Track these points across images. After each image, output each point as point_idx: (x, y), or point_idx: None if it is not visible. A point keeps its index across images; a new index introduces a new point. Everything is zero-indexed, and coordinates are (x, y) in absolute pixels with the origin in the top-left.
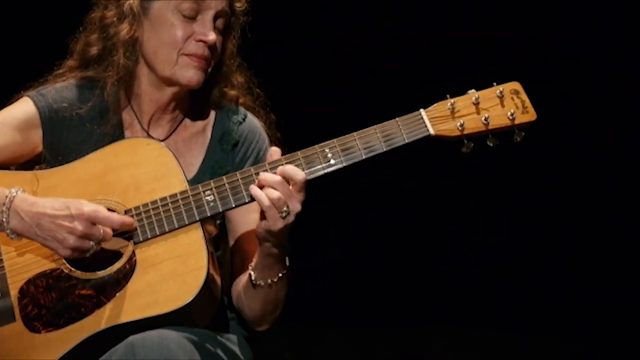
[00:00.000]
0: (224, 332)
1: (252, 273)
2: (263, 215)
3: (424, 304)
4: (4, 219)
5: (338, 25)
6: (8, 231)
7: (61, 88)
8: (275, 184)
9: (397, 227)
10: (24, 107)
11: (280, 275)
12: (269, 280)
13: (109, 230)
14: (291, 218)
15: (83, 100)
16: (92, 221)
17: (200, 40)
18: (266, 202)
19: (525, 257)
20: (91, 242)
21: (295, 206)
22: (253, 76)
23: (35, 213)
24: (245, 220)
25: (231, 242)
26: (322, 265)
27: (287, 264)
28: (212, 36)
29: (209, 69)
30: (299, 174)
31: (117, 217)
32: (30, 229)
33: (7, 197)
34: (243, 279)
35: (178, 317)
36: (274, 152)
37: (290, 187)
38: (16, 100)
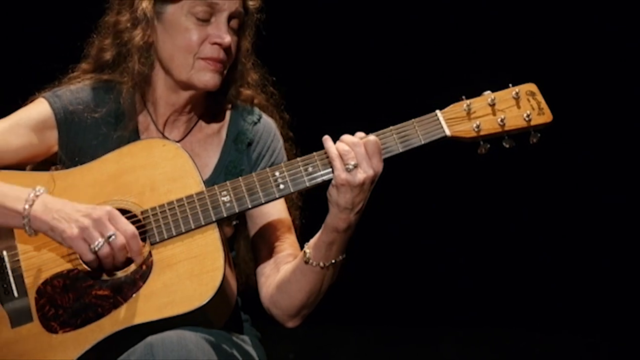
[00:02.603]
0: (238, 333)
1: (307, 251)
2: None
3: (432, 304)
4: (27, 205)
5: (353, 24)
6: (26, 213)
7: (77, 90)
8: (348, 141)
9: (404, 227)
10: (39, 108)
11: (335, 260)
12: (322, 263)
13: (121, 237)
14: (358, 176)
15: (98, 103)
16: (111, 218)
17: (215, 43)
18: (334, 151)
19: (538, 258)
20: (100, 239)
21: (364, 166)
22: (267, 74)
23: (61, 202)
24: (268, 211)
25: (254, 235)
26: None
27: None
28: (227, 39)
29: (225, 71)
30: (371, 137)
31: (133, 229)
32: (50, 212)
33: (34, 190)
34: (283, 265)
35: (194, 317)
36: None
37: (363, 149)
38: (31, 101)
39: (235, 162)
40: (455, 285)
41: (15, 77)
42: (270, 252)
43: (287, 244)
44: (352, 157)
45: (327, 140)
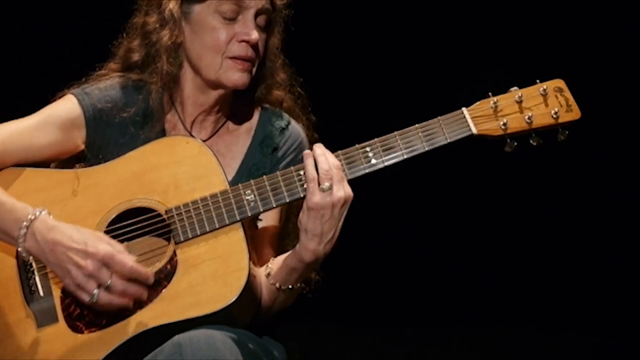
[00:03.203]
0: (259, 332)
1: (270, 267)
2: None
3: (436, 305)
4: (21, 238)
5: (376, 23)
6: (20, 249)
7: (105, 88)
8: (328, 159)
9: (414, 229)
10: (68, 106)
11: (293, 286)
12: (278, 284)
13: (118, 282)
14: (330, 199)
15: (127, 102)
16: (106, 263)
17: (243, 41)
18: (312, 171)
19: (556, 258)
20: (96, 289)
21: (339, 188)
22: (295, 74)
23: (51, 240)
24: (267, 215)
25: None
26: (333, 265)
27: (307, 285)
28: (254, 35)
29: (254, 69)
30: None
31: (130, 265)
32: (42, 253)
33: (28, 216)
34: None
35: (219, 317)
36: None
37: (334, 168)
38: (60, 97)
39: (259, 165)
40: (475, 285)
41: (16, 77)
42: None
43: (266, 252)
44: (329, 178)
45: (307, 155)
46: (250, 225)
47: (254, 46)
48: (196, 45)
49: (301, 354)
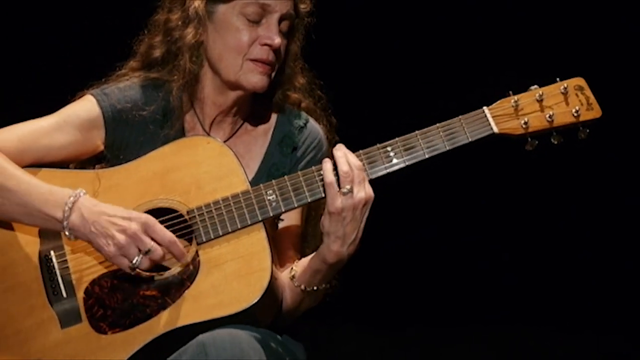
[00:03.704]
0: (280, 331)
1: (295, 269)
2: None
3: (455, 304)
4: (65, 214)
5: (393, 23)
6: (65, 223)
7: (125, 88)
8: (349, 160)
9: (434, 227)
10: (87, 106)
11: (318, 287)
12: (304, 286)
13: (158, 249)
14: (351, 201)
15: (146, 101)
16: (147, 229)
17: (265, 44)
18: (330, 176)
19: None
20: (138, 255)
21: (359, 190)
22: (315, 78)
23: (97, 210)
24: (288, 215)
25: None
26: (350, 264)
27: (332, 283)
28: (277, 40)
29: (273, 73)
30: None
31: (171, 236)
32: (87, 225)
33: (72, 195)
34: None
35: (242, 318)
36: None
37: (354, 169)
38: (79, 98)
39: (278, 165)
40: (495, 284)
41: (16, 77)
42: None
43: (288, 255)
44: (350, 180)
45: (326, 161)
46: (271, 225)
47: (276, 51)
48: (218, 45)
49: (319, 354)
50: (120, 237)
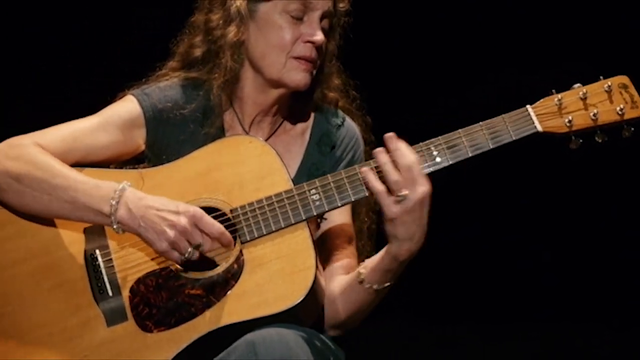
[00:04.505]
0: (320, 331)
1: (362, 272)
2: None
3: (498, 302)
4: (113, 209)
5: (432, 20)
6: (113, 218)
7: (165, 87)
8: (397, 164)
9: (476, 226)
10: (128, 107)
11: (387, 284)
12: (376, 286)
13: (208, 240)
14: (409, 204)
15: (187, 100)
16: (196, 222)
17: (308, 42)
18: (379, 187)
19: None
20: (189, 248)
21: (413, 191)
22: (349, 78)
23: (143, 205)
24: (331, 217)
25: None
26: None
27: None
28: (320, 36)
29: (315, 71)
30: (407, 156)
31: (219, 227)
32: (135, 219)
33: (117, 189)
34: (337, 275)
35: (286, 317)
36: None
37: (403, 172)
38: (120, 98)
39: (318, 164)
40: (538, 283)
41: (16, 77)
42: (326, 260)
43: (344, 254)
44: (400, 187)
45: (366, 172)
46: (313, 224)
47: (318, 48)
48: (260, 44)
49: (363, 351)
50: (171, 233)
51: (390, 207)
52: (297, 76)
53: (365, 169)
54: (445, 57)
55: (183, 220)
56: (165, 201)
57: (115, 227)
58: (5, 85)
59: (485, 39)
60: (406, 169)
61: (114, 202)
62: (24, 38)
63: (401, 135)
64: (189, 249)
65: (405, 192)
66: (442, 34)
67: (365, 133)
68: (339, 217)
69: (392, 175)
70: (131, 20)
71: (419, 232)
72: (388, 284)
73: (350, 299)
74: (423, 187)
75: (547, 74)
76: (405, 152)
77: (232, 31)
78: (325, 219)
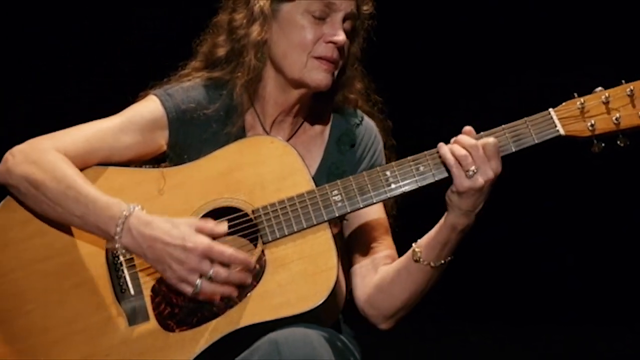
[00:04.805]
0: (339, 331)
1: (417, 250)
2: (452, 178)
3: (521, 304)
4: (117, 236)
5: (452, 23)
6: (118, 245)
7: (188, 88)
8: (466, 144)
9: (500, 228)
10: (151, 107)
11: (445, 260)
12: (433, 263)
13: (220, 271)
14: (479, 181)
15: (210, 100)
16: (207, 255)
17: (330, 42)
18: (451, 157)
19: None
20: (198, 280)
21: (484, 169)
22: (371, 82)
23: (149, 236)
24: (365, 210)
25: (349, 235)
26: None
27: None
28: (342, 37)
29: (336, 72)
30: (490, 138)
31: (230, 253)
32: (140, 248)
33: (123, 213)
34: (381, 266)
35: (308, 317)
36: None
37: (481, 151)
38: (142, 98)
39: (338, 163)
40: (561, 285)
41: (16, 77)
42: (366, 253)
43: (384, 245)
44: (471, 162)
45: (442, 146)
46: (336, 225)
47: (340, 49)
48: (282, 43)
49: (387, 349)
50: (178, 269)
51: (463, 180)
52: (318, 76)
53: (440, 143)
54: (467, 59)
55: (191, 260)
56: (173, 231)
57: (122, 252)
58: (5, 85)
59: (507, 41)
60: (473, 147)
61: (118, 229)
62: (24, 38)
63: (421, 138)
64: (197, 282)
65: (473, 167)
66: (464, 37)
67: (386, 137)
68: (374, 211)
69: (458, 150)
70: (131, 20)
71: (481, 205)
72: (444, 260)
73: (406, 282)
74: (491, 172)
75: (569, 77)
76: (486, 137)
77: (255, 30)
78: (346, 219)
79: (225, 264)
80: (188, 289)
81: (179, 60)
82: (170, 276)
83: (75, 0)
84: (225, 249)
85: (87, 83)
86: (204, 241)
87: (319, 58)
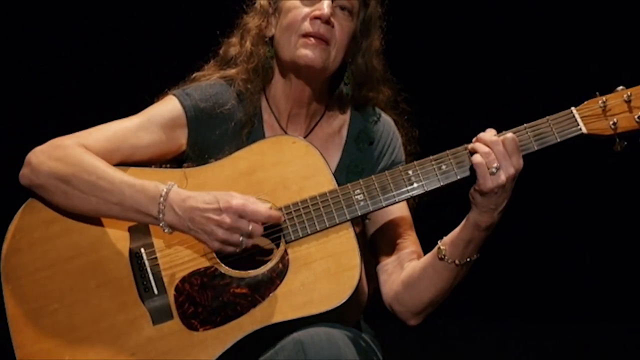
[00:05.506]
0: (360, 330)
1: (442, 248)
2: (475, 177)
3: (538, 302)
4: (160, 214)
5: (474, 26)
6: (162, 224)
7: (206, 86)
8: (487, 141)
9: (520, 227)
10: (170, 106)
11: (470, 258)
12: (458, 261)
13: (257, 226)
14: (502, 178)
15: (227, 99)
16: (240, 214)
17: (314, 17)
18: (477, 157)
19: None
20: (241, 237)
21: (505, 165)
22: (401, 90)
23: (188, 207)
24: (389, 208)
25: (374, 232)
26: None
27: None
28: (325, 10)
29: (332, 50)
30: (508, 134)
31: (264, 211)
32: (184, 222)
33: (162, 191)
34: (407, 262)
35: (331, 316)
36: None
37: (502, 147)
38: (162, 98)
39: (357, 161)
40: (579, 284)
41: (16, 77)
42: (392, 250)
43: (410, 242)
44: (494, 158)
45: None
46: (358, 224)
47: (328, 25)
48: (278, 31)
49: (406, 348)
50: (219, 231)
51: (487, 180)
52: (304, 51)
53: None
54: (488, 59)
55: (228, 219)
56: (207, 197)
57: (166, 230)
58: (5, 85)
59: (528, 41)
60: (495, 143)
61: (161, 207)
62: (24, 38)
63: (441, 140)
64: (241, 240)
65: (496, 164)
66: (488, 37)
67: (410, 145)
68: (398, 208)
69: (481, 148)
70: (132, 20)
71: (504, 203)
72: (469, 258)
73: (433, 280)
74: (512, 169)
75: (590, 76)
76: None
77: (262, 27)
78: (369, 219)
79: (261, 222)
80: (233, 249)
81: (190, 62)
82: (214, 243)
83: (75, 0)
84: (259, 207)
85: (87, 83)
86: (237, 200)
87: (305, 35)
